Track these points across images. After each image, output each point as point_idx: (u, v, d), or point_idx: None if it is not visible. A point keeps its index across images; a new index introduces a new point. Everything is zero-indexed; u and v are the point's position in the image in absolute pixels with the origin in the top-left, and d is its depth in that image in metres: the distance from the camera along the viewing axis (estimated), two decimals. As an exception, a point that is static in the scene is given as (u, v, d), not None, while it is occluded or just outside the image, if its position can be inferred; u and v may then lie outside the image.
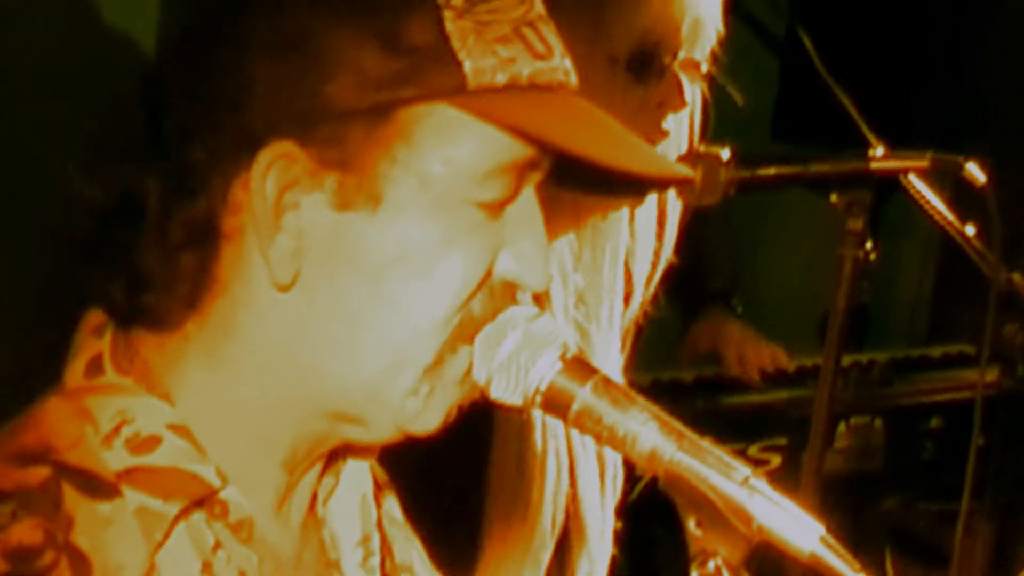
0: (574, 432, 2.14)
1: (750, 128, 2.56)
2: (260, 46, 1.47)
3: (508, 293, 1.56)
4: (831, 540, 1.47)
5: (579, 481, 2.40)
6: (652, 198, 2.40)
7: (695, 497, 1.49)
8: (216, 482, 1.52)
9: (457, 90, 1.47)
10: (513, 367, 1.54)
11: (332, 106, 1.46)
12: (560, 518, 2.39)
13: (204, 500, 1.51)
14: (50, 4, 3.71)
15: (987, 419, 2.75)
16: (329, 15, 1.47)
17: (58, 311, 1.59)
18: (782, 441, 3.60)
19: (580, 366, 1.54)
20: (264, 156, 1.47)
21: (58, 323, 1.61)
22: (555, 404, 1.54)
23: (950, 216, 2.60)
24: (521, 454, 2.32)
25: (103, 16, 3.77)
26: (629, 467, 2.43)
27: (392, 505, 1.79)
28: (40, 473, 1.47)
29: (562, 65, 1.54)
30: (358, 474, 1.69)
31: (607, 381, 1.54)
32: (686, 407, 3.41)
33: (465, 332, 1.53)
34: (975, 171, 2.51)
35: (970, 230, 2.61)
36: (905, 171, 2.53)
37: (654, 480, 1.53)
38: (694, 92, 2.35)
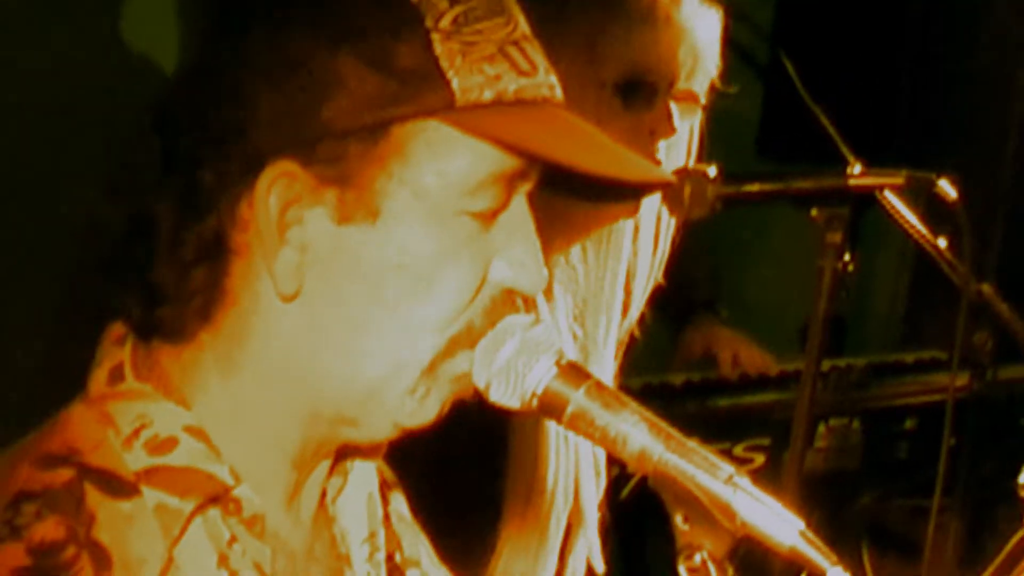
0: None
1: (736, 147, 2.56)
2: (262, 73, 1.48)
3: (507, 302, 1.56)
4: (810, 534, 1.47)
5: (579, 470, 2.41)
6: (651, 217, 2.41)
7: (682, 494, 1.49)
8: (230, 480, 1.52)
9: (446, 107, 1.47)
10: (511, 372, 1.54)
11: (330, 126, 1.47)
12: (568, 505, 2.40)
13: (218, 497, 1.52)
14: (80, 35, 3.73)
15: (958, 421, 2.75)
16: (326, 42, 1.47)
17: (82, 325, 1.60)
18: (765, 441, 3.59)
19: (574, 371, 1.54)
20: (267, 175, 1.48)
21: (83, 336, 1.61)
22: (550, 407, 1.54)
23: (923, 230, 2.60)
24: (537, 445, 2.33)
25: (130, 46, 3.80)
26: (621, 466, 2.43)
27: (400, 503, 1.79)
28: (64, 474, 1.47)
29: (546, 81, 1.54)
30: (365, 474, 1.69)
31: (599, 385, 1.54)
32: (674, 409, 3.40)
33: (463, 339, 1.53)
34: (947, 187, 2.51)
35: (942, 243, 2.61)
36: (881, 187, 2.54)
37: (644, 478, 1.53)
38: (691, 121, 2.36)
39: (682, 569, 1.49)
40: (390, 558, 1.71)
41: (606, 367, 2.43)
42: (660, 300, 2.50)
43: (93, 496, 1.47)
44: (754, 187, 2.48)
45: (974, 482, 2.96)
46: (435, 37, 1.48)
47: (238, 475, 1.53)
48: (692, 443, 1.51)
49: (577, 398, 1.53)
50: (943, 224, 2.60)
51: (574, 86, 1.62)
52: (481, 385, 1.55)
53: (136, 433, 1.51)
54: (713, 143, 2.44)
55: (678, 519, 1.50)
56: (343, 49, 1.47)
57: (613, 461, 2.40)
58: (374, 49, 1.47)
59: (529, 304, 2.20)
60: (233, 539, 1.52)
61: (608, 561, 2.52)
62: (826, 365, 3.60)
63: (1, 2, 3.64)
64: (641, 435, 1.51)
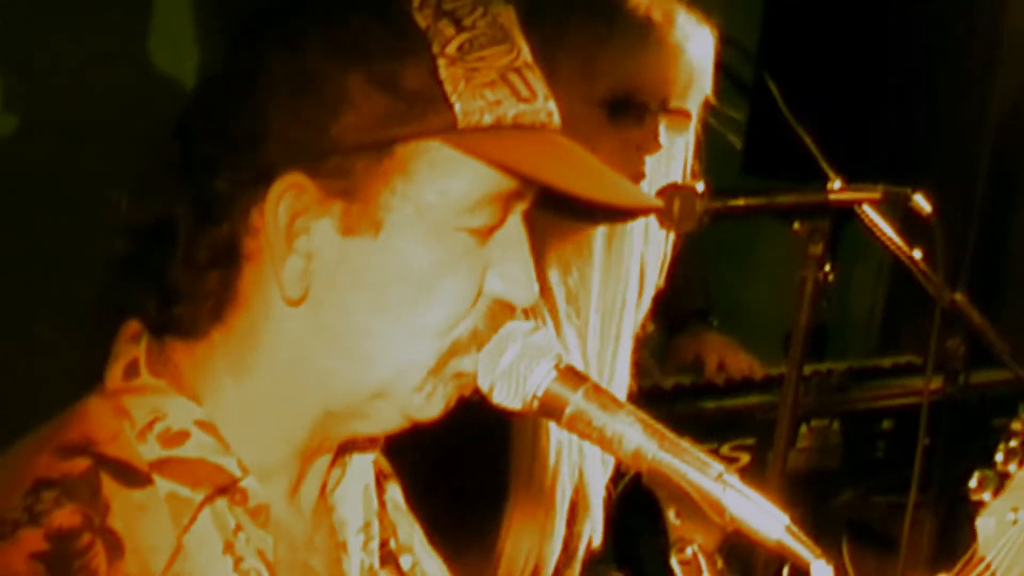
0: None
1: (723, 164, 2.57)
2: (276, 88, 1.49)
3: (507, 308, 1.57)
4: (795, 529, 1.48)
5: (584, 460, 2.41)
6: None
7: (674, 491, 1.50)
8: (237, 472, 1.53)
9: (448, 129, 1.49)
10: (513, 375, 1.55)
11: (338, 142, 1.48)
12: (574, 479, 2.39)
13: (227, 488, 1.53)
14: (108, 47, 3.75)
15: (933, 422, 2.76)
16: (338, 62, 1.48)
17: (98, 323, 1.61)
18: (750, 441, 3.58)
19: (573, 374, 1.56)
20: (277, 186, 1.49)
21: (99, 333, 1.62)
22: (550, 408, 1.55)
23: (899, 242, 2.61)
24: (537, 439, 2.33)
25: (157, 59, 3.82)
26: (616, 464, 2.44)
27: (396, 492, 1.80)
28: (81, 463, 1.48)
29: (545, 107, 1.55)
30: (362, 466, 1.70)
31: (597, 388, 1.55)
32: (666, 411, 3.40)
33: (468, 342, 1.54)
34: (921, 202, 2.52)
35: (917, 254, 2.62)
36: (860, 202, 2.54)
37: (638, 475, 1.54)
38: (685, 137, 2.36)
39: (674, 561, 1.50)
40: (384, 545, 1.72)
41: (622, 358, 2.43)
42: (656, 309, 2.50)
43: (108, 485, 1.48)
44: (740, 202, 2.48)
45: (948, 480, 2.96)
46: (441, 62, 1.49)
47: (245, 467, 1.54)
48: (684, 443, 1.52)
49: (575, 400, 1.54)
50: (918, 236, 2.60)
51: (566, 102, 1.63)
52: (485, 387, 1.56)
53: (150, 426, 1.52)
54: (700, 160, 2.45)
55: (670, 514, 1.50)
56: (354, 69, 1.48)
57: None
58: (383, 71, 1.48)
59: (538, 309, 2.20)
60: (238, 527, 1.53)
61: (603, 553, 2.52)
62: (808, 370, 3.59)
63: (37, 16, 3.66)
64: (636, 435, 1.52)
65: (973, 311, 2.72)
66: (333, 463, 1.66)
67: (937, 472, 2.92)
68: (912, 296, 2.81)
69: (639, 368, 2.51)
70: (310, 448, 1.60)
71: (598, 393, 1.54)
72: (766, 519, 1.48)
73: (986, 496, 1.85)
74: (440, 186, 1.50)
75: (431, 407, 1.56)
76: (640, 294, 2.43)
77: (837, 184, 2.51)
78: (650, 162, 2.32)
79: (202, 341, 1.56)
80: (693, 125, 2.36)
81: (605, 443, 1.53)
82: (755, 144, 4.27)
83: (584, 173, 1.57)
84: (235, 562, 1.52)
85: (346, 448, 1.67)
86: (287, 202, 1.49)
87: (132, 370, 1.56)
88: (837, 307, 4.80)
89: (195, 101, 1.57)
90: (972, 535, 1.87)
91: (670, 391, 3.73)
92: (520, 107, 1.52)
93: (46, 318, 3.40)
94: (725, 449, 3.58)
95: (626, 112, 2.28)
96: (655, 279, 2.45)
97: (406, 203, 1.50)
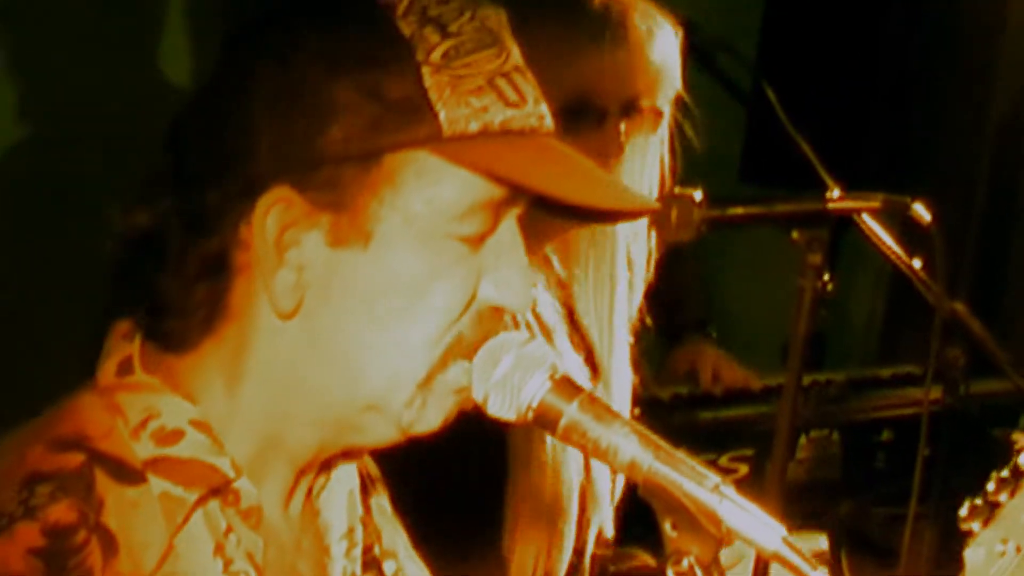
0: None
1: (720, 172, 2.56)
2: (264, 100, 1.49)
3: (496, 316, 1.57)
4: (792, 540, 1.47)
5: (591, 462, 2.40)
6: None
7: (670, 502, 1.49)
8: (231, 473, 1.53)
9: (434, 138, 1.48)
10: (507, 386, 1.54)
11: (325, 153, 1.47)
12: (581, 475, 2.38)
13: (220, 489, 1.53)
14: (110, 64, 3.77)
15: (932, 432, 2.75)
16: (324, 72, 1.48)
17: (89, 321, 1.61)
18: (749, 452, 3.58)
19: (568, 385, 1.55)
20: (265, 200, 1.49)
21: (88, 330, 1.62)
22: (545, 419, 1.54)
23: (899, 251, 2.60)
24: (537, 441, 2.31)
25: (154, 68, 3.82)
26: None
27: (382, 497, 1.80)
28: (76, 458, 1.48)
29: (536, 111, 1.54)
30: (347, 471, 1.70)
31: (592, 398, 1.54)
32: (663, 422, 3.40)
33: (456, 351, 1.54)
34: (921, 211, 2.52)
35: (917, 263, 2.61)
36: (859, 211, 2.54)
37: (634, 487, 1.54)
38: (659, 136, 2.34)
39: (670, 573, 1.49)
40: (368, 550, 1.72)
41: (621, 357, 2.42)
42: (655, 317, 2.49)
43: (103, 481, 1.48)
44: (738, 210, 2.48)
45: (948, 491, 2.95)
46: (425, 71, 1.48)
47: (239, 468, 1.54)
48: (680, 454, 1.52)
49: (570, 411, 1.53)
50: (918, 245, 2.60)
51: None
52: (479, 399, 1.56)
53: (144, 424, 1.52)
54: (697, 167, 2.44)
55: (667, 526, 1.50)
56: (340, 80, 1.48)
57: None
58: (368, 81, 1.48)
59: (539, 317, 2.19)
60: (229, 529, 1.53)
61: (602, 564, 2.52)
62: (807, 380, 3.58)
63: (42, 24, 3.70)
64: (632, 446, 1.51)
65: (973, 320, 2.71)
66: (320, 469, 1.66)
67: (937, 483, 2.92)
68: (912, 305, 2.81)
69: (639, 366, 2.50)
70: (305, 458, 1.60)
71: (593, 404, 1.54)
72: (763, 530, 1.48)
73: (975, 526, 1.84)
74: (428, 195, 1.50)
75: (424, 421, 1.56)
76: (631, 285, 2.41)
77: (836, 192, 2.51)
78: (623, 163, 2.29)
79: (193, 352, 1.56)
80: (666, 122, 2.34)
81: (601, 454, 1.53)
82: (753, 152, 4.28)
83: (575, 177, 1.56)
84: (225, 564, 1.52)
85: (334, 455, 1.66)
86: (276, 215, 1.49)
87: (126, 367, 1.56)
88: (836, 316, 4.80)
89: (187, 111, 1.57)
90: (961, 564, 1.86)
91: (668, 402, 3.73)
92: (508, 112, 1.51)
93: (47, 322, 3.42)
94: (724, 460, 3.58)
95: (585, 118, 2.26)
96: (644, 271, 2.42)
97: (394, 213, 1.50)
